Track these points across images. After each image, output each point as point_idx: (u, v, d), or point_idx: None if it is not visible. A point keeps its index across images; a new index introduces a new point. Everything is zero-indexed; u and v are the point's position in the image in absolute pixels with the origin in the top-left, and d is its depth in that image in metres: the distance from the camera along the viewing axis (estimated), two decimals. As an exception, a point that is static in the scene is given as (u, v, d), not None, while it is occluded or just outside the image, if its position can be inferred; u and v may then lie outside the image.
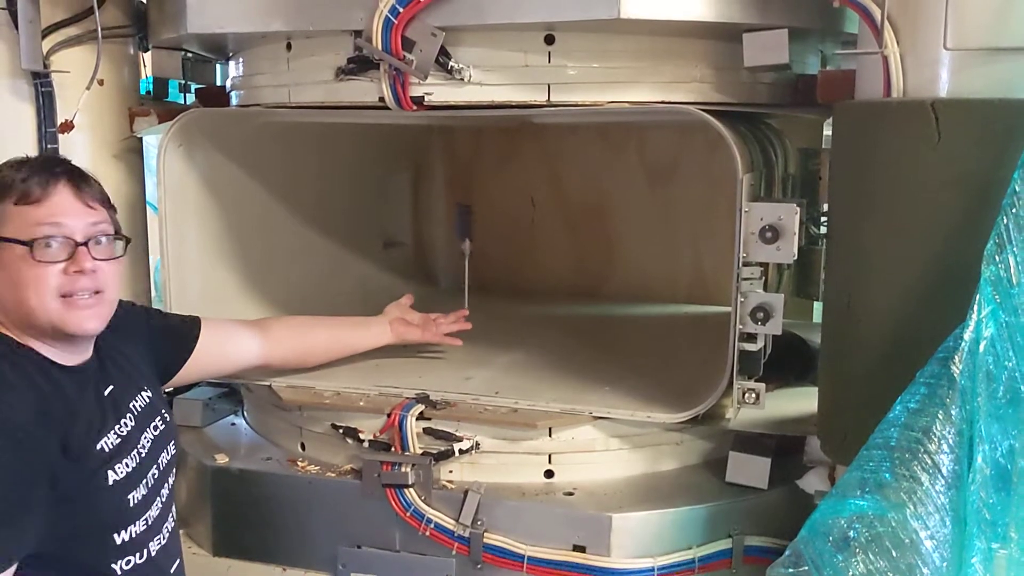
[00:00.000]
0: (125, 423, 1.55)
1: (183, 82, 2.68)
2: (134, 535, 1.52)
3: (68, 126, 2.37)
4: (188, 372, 1.90)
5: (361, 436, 2.04)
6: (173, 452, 1.69)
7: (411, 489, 1.96)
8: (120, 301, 1.60)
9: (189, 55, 2.60)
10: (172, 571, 1.65)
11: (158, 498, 1.60)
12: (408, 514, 1.96)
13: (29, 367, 1.45)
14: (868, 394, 1.62)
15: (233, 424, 2.47)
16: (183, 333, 1.89)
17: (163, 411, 1.69)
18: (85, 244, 1.46)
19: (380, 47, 1.93)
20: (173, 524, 1.68)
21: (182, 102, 2.75)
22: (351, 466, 2.07)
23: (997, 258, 1.40)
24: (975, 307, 1.40)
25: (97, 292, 1.48)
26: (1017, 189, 1.39)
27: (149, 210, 2.61)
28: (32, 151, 2.33)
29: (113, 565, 1.49)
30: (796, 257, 1.84)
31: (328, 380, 2.21)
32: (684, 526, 1.90)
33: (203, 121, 2.34)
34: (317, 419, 2.14)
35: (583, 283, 3.36)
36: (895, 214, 1.60)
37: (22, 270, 1.43)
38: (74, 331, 1.47)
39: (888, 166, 1.60)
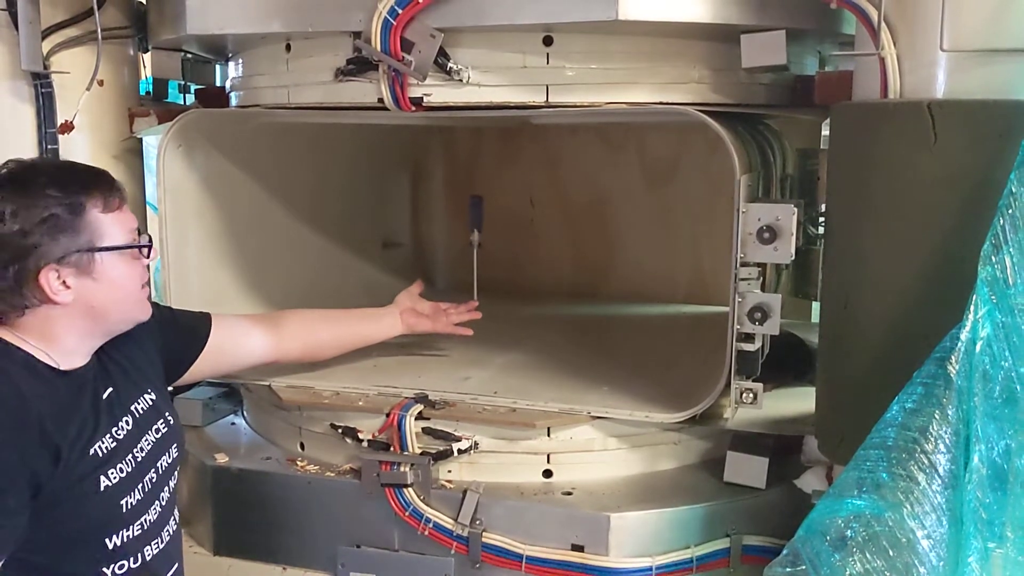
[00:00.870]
0: (123, 426, 1.54)
1: (183, 83, 2.68)
2: (127, 539, 1.51)
3: (68, 127, 2.37)
4: (198, 369, 1.88)
5: (360, 436, 2.05)
6: (176, 455, 1.67)
7: (410, 489, 1.96)
8: None
9: (189, 56, 2.60)
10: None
11: (156, 502, 1.59)
12: (407, 514, 1.96)
13: (14, 369, 1.43)
14: (865, 394, 1.62)
15: (233, 424, 2.47)
16: (193, 330, 1.88)
17: (167, 414, 1.67)
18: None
19: (379, 48, 1.93)
20: (175, 528, 1.67)
21: (182, 103, 2.76)
22: (350, 466, 2.08)
23: (993, 258, 1.40)
24: (971, 307, 1.40)
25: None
26: (1013, 190, 1.40)
27: (149, 210, 2.61)
28: (32, 152, 2.34)
29: (104, 569, 1.49)
30: (794, 257, 1.84)
31: (327, 380, 2.21)
32: (682, 525, 1.91)
33: (203, 122, 2.34)
34: (316, 419, 2.15)
35: (582, 283, 3.36)
36: (892, 215, 1.61)
37: (124, 272, 1.51)
38: (145, 318, 1.59)
39: (885, 167, 1.61)
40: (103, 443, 1.49)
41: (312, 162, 2.89)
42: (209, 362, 1.89)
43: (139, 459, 1.55)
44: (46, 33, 2.32)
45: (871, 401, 1.53)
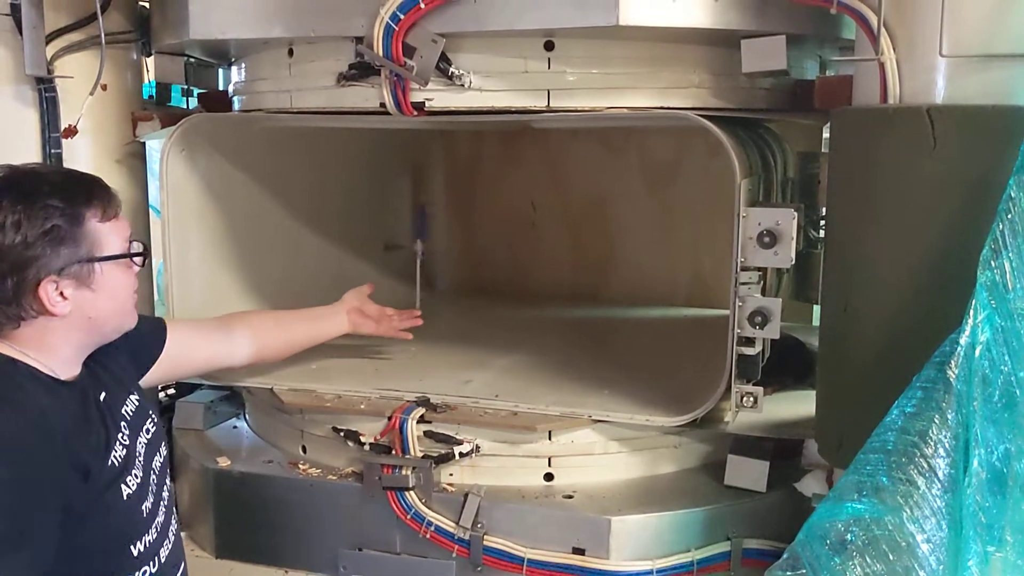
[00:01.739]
0: (124, 430, 1.53)
1: (185, 87, 2.69)
2: (148, 544, 1.51)
3: (72, 131, 2.38)
4: (152, 376, 1.84)
5: (362, 439, 2.05)
6: (164, 455, 1.66)
7: (412, 492, 1.97)
8: None
9: (191, 60, 2.61)
10: None
11: (161, 503, 1.59)
12: (409, 517, 1.97)
13: (30, 385, 1.41)
14: (865, 398, 1.63)
15: (235, 427, 2.48)
16: (151, 337, 1.84)
17: (151, 412, 1.65)
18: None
19: (381, 53, 1.94)
20: (177, 526, 1.68)
21: (184, 106, 2.77)
22: (352, 469, 2.08)
23: (993, 263, 1.41)
24: (971, 312, 1.41)
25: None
26: (1012, 195, 1.40)
27: (152, 214, 2.62)
28: (36, 156, 2.34)
29: None
30: (794, 262, 1.85)
31: (329, 383, 2.22)
32: (683, 529, 1.91)
33: (205, 126, 2.35)
34: (318, 422, 2.16)
35: (583, 286, 3.37)
36: (892, 219, 1.61)
37: (122, 282, 1.49)
38: (132, 327, 1.57)
39: (885, 172, 1.62)
40: (116, 451, 1.48)
41: (313, 165, 2.90)
42: (163, 369, 1.85)
43: (141, 462, 1.55)
44: (50, 38, 2.32)
45: (871, 405, 1.53)
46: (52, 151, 2.36)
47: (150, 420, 1.64)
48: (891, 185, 1.61)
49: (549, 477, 2.03)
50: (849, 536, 1.45)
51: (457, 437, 2.01)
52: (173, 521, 1.65)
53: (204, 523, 2.20)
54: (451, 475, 2.03)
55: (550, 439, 2.01)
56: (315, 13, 2.01)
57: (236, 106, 2.48)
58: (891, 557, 1.41)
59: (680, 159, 3.16)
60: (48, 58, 2.32)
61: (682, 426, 1.98)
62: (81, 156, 2.40)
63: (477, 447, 2.01)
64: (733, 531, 1.93)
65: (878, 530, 1.42)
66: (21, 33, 2.27)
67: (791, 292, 2.40)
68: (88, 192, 1.46)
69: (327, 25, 2.01)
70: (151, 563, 1.52)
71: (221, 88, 2.76)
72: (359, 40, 1.98)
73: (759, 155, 2.22)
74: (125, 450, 1.50)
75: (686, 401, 2.01)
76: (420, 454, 2.00)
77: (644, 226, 3.24)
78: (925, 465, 1.42)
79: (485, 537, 1.93)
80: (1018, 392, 1.40)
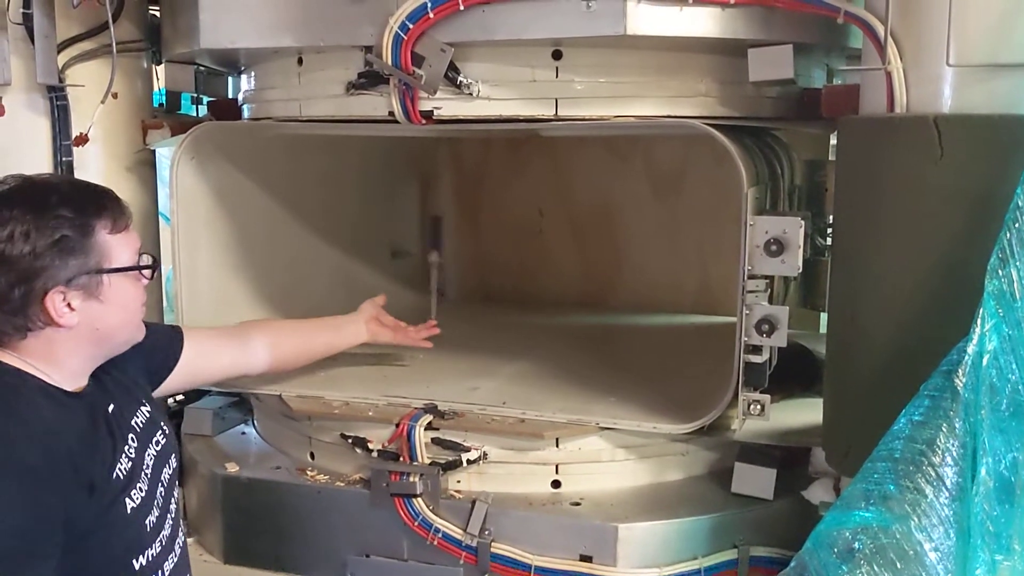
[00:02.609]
0: (131, 443, 1.51)
1: (195, 95, 2.72)
2: (151, 557, 1.50)
3: (83, 139, 2.40)
4: (169, 385, 1.85)
5: (370, 446, 2.06)
6: (175, 466, 1.65)
7: (419, 499, 1.97)
8: None
9: (201, 69, 2.63)
10: None
11: (168, 515, 1.58)
12: (416, 523, 1.97)
13: (37, 399, 1.40)
14: (872, 406, 1.63)
15: (243, 433, 2.49)
16: (167, 346, 1.84)
17: (162, 424, 1.65)
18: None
19: (390, 62, 1.95)
20: (183, 539, 1.67)
21: (194, 115, 2.79)
22: (360, 475, 2.09)
23: (1000, 272, 1.41)
24: (979, 320, 1.41)
25: None
26: (1020, 204, 1.40)
27: (161, 221, 2.64)
28: (47, 164, 2.37)
29: None
30: (801, 270, 1.85)
31: (337, 390, 2.23)
32: (690, 536, 1.91)
33: (215, 134, 2.37)
34: (326, 429, 2.16)
35: (590, 293, 3.37)
36: (899, 228, 1.62)
37: (131, 294, 1.49)
38: (141, 339, 1.57)
39: (892, 181, 1.62)
40: (121, 465, 1.46)
41: (321, 173, 2.91)
42: (180, 377, 1.85)
43: (149, 475, 1.53)
44: (61, 47, 2.35)
45: (878, 413, 1.53)
46: (63, 159, 2.39)
47: (161, 432, 1.62)
48: (898, 194, 1.61)
49: (556, 484, 2.03)
50: (857, 544, 1.45)
51: (465, 444, 2.01)
52: (180, 534, 1.65)
53: (212, 529, 2.21)
54: (459, 482, 2.03)
55: (557, 446, 2.02)
56: (324, 22, 2.03)
57: (246, 114, 2.50)
58: (899, 565, 1.41)
59: (687, 167, 3.17)
60: (60, 67, 2.35)
61: (689, 434, 1.98)
62: (92, 164, 2.42)
63: (485, 454, 2.01)
64: (740, 539, 1.93)
65: (886, 538, 1.42)
66: (33, 42, 2.30)
67: (798, 300, 2.40)
68: (98, 203, 1.45)
69: (336, 34, 2.03)
70: None
71: (231, 96, 2.78)
72: (368, 49, 2.00)
73: (766, 163, 2.23)
74: (131, 463, 1.49)
75: (693, 408, 2.01)
76: (428, 461, 2.00)
77: (651, 234, 3.25)
78: (933, 473, 1.42)
79: (492, 544, 1.93)
80: (1026, 401, 1.40)
